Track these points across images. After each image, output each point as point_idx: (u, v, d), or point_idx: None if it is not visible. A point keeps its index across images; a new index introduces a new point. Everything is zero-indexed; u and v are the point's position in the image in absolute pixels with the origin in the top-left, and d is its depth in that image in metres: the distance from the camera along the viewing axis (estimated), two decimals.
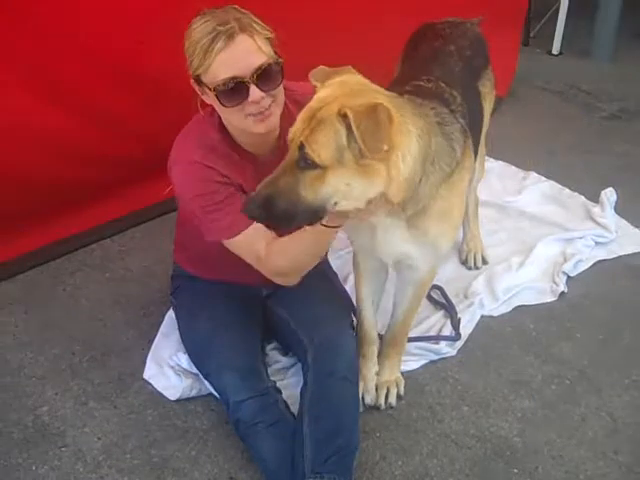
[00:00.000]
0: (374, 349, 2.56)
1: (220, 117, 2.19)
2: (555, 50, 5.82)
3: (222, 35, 1.97)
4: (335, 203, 1.81)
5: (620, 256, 3.27)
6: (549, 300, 2.99)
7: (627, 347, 2.75)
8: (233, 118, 2.12)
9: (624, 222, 3.48)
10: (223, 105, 2.06)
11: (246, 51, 2.00)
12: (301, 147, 1.76)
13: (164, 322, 2.80)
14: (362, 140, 1.69)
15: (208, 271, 2.54)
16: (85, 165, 3.12)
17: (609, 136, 4.47)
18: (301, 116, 1.82)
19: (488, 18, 3.00)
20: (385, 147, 1.73)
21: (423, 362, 2.68)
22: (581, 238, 3.31)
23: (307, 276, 2.31)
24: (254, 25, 2.04)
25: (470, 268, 3.18)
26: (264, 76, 2.02)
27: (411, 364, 2.66)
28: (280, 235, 2.14)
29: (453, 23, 2.74)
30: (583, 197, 3.68)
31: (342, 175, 1.76)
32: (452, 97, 2.23)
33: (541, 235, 3.35)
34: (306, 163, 1.76)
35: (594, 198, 3.64)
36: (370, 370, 2.54)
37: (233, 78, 1.99)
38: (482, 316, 2.89)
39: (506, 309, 2.94)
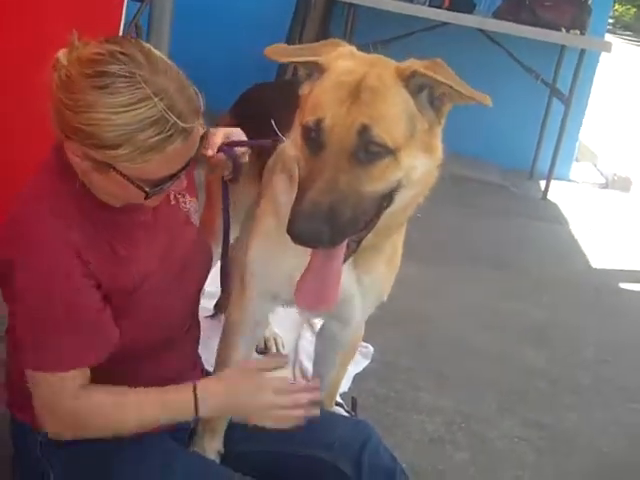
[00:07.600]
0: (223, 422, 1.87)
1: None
2: None
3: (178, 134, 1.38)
4: (401, 186, 1.43)
5: None
6: (367, 363, 2.94)
7: None
8: None
9: None
10: None
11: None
12: (364, 130, 1.35)
13: None
14: (461, 88, 1.38)
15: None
16: None
17: None
18: (336, 95, 1.38)
19: None
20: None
21: None
22: None
23: None
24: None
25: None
26: None
27: None
28: None
29: None
30: None
31: (411, 153, 1.41)
32: None
33: None
34: (369, 152, 1.37)
35: None
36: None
37: None
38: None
39: (347, 384, 2.75)
